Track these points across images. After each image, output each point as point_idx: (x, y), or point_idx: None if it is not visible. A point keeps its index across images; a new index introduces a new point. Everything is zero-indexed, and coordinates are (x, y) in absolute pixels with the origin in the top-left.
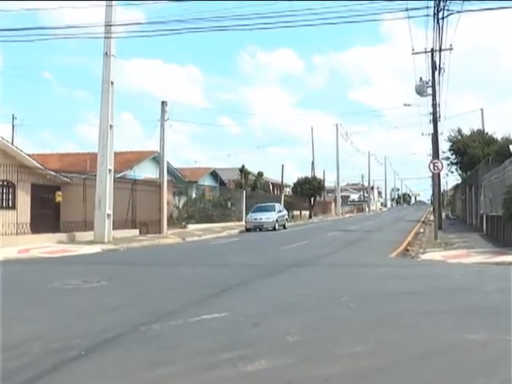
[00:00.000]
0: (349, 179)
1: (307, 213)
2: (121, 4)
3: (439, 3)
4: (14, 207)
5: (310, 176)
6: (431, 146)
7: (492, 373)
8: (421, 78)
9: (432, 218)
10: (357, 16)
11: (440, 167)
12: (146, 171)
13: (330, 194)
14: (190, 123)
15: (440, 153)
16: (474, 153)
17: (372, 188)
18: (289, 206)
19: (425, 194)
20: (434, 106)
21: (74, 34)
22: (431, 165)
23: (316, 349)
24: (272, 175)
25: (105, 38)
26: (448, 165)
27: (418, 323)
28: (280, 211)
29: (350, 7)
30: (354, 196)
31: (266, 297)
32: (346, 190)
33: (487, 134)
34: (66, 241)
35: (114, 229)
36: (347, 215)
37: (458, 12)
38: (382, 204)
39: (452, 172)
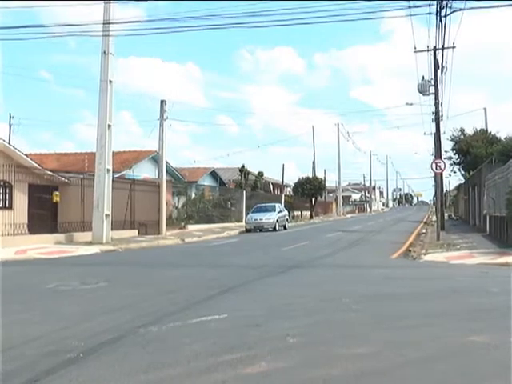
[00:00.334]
0: (350, 179)
1: (308, 213)
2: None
3: (442, 1)
4: (11, 207)
5: (310, 176)
6: (434, 146)
7: (497, 376)
8: (423, 77)
9: (434, 218)
10: (358, 14)
11: (442, 167)
12: (144, 171)
13: (331, 194)
14: (190, 122)
15: (443, 152)
16: (476, 152)
17: (374, 188)
18: (289, 207)
19: (427, 194)
20: (437, 105)
21: (72, 32)
22: (434, 165)
23: (317, 351)
24: (272, 175)
25: (103, 36)
26: (451, 165)
27: (420, 325)
28: (280, 211)
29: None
30: (356, 196)
31: (266, 298)
32: (348, 190)
33: (490, 133)
34: (64, 241)
35: (112, 229)
36: (348, 216)
37: (461, 10)
38: (383, 204)
39: (455, 172)
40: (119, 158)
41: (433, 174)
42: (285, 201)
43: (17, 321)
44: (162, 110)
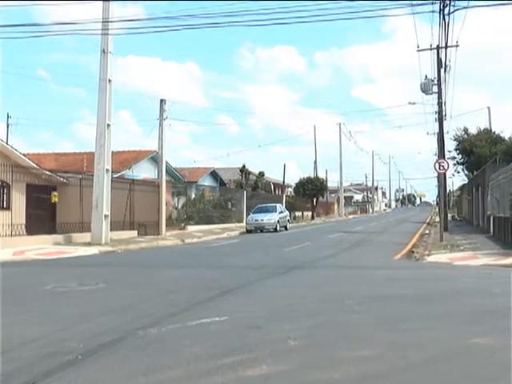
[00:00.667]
0: (352, 179)
1: (309, 214)
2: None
3: None
4: (8, 208)
5: (312, 176)
6: (437, 146)
7: (501, 378)
8: (426, 76)
9: (437, 219)
10: (359, 12)
11: (446, 167)
12: (144, 171)
13: (333, 195)
14: (190, 122)
15: (446, 152)
16: (480, 152)
17: (376, 188)
18: (290, 207)
19: (430, 194)
20: (440, 104)
21: (70, 30)
22: (437, 165)
23: (318, 353)
24: (273, 175)
25: (102, 34)
26: (454, 165)
27: (423, 327)
28: (281, 212)
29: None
30: (358, 196)
31: (268, 300)
32: (350, 190)
33: (494, 132)
34: (63, 242)
35: (111, 230)
36: (350, 216)
37: (465, 8)
38: (386, 205)
39: (458, 172)
40: (118, 158)
41: (436, 174)
42: (286, 201)
43: (15, 322)
44: (162, 110)
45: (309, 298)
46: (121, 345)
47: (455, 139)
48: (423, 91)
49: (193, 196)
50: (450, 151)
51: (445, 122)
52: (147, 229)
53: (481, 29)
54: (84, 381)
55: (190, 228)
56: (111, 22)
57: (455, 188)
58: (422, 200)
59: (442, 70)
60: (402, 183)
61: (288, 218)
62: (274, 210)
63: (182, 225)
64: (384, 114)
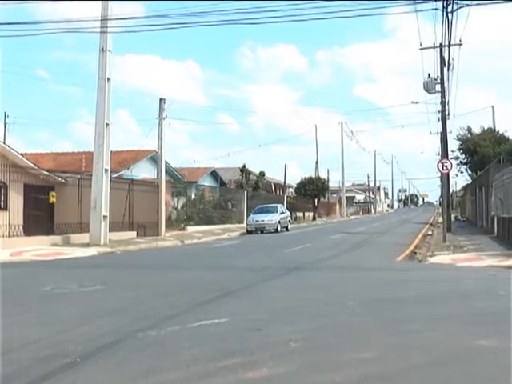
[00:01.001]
0: (354, 179)
1: (311, 214)
2: None
3: None
4: (6, 208)
5: (313, 176)
6: (440, 145)
7: (505, 381)
8: (429, 75)
9: (440, 219)
10: (360, 10)
11: (449, 167)
12: (143, 171)
13: (335, 195)
14: (189, 121)
15: (449, 152)
16: (484, 152)
17: (378, 189)
18: (292, 207)
19: (433, 194)
20: (443, 103)
21: (69, 28)
22: (440, 164)
23: (319, 355)
24: (274, 175)
25: (101, 32)
26: (457, 164)
27: (425, 329)
28: (282, 212)
29: (352, 2)
30: (360, 197)
31: (268, 301)
32: (351, 190)
33: (498, 132)
34: (61, 243)
35: (110, 231)
36: (352, 217)
37: (468, 5)
38: (388, 205)
39: (461, 172)
40: (117, 158)
41: (439, 175)
42: (287, 202)
43: (13, 324)
44: (161, 109)
45: (310, 300)
46: (120, 347)
47: (459, 139)
48: (426, 90)
49: (193, 196)
50: (453, 151)
51: (448, 122)
52: (146, 229)
53: (484, 27)
54: (83, 383)
55: (190, 229)
56: (110, 19)
57: (458, 188)
58: (425, 200)
59: (446, 69)
60: (404, 183)
61: (289, 218)
62: (274, 210)
63: (182, 225)
64: (386, 113)
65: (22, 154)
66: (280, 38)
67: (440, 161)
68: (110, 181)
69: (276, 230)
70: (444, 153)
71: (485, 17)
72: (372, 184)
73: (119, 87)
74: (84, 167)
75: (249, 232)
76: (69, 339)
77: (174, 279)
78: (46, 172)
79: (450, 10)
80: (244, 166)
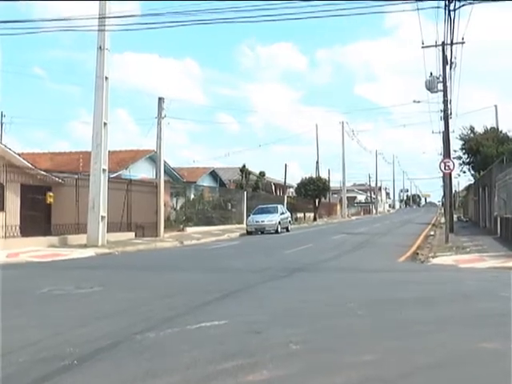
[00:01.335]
0: (355, 179)
1: (311, 215)
2: None
3: None
4: (2, 209)
5: (314, 176)
6: (442, 145)
7: (505, 383)
8: (431, 73)
9: (443, 220)
10: (361, 8)
11: (451, 167)
12: (141, 171)
13: (336, 195)
14: (189, 121)
15: (451, 152)
16: (487, 152)
17: (380, 189)
18: (292, 208)
19: (435, 195)
20: (445, 102)
21: (66, 26)
22: (442, 164)
23: (320, 358)
24: (274, 175)
25: (98, 31)
26: (460, 164)
27: (428, 331)
28: (283, 213)
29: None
30: (361, 197)
31: (268, 303)
32: (353, 190)
33: (501, 131)
34: (58, 244)
35: (108, 232)
36: (353, 217)
37: (471, 3)
38: (390, 205)
39: (464, 172)
40: (115, 158)
41: (441, 175)
42: (287, 202)
43: (9, 326)
44: (160, 108)
45: (311, 302)
46: (118, 349)
47: (461, 138)
48: (428, 89)
49: (192, 197)
50: (455, 151)
51: (450, 121)
52: (145, 230)
53: (487, 25)
54: None
55: (189, 229)
56: (108, 18)
57: (461, 188)
58: (427, 200)
59: (448, 68)
60: (406, 183)
61: (289, 219)
62: (275, 210)
63: (181, 226)
64: (388, 112)
65: (18, 154)
66: (279, 36)
67: (442, 160)
68: (108, 181)
69: (276, 231)
70: (446, 152)
71: (487, 15)
72: (373, 184)
73: (117, 86)
74: (82, 167)
75: (249, 233)
76: (66, 341)
77: (173, 281)
78: (43, 172)
79: (452, 8)
80: (244, 165)
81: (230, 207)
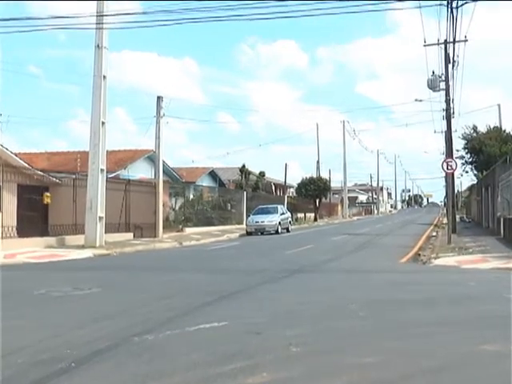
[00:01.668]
0: (356, 179)
1: (312, 215)
2: None
3: None
4: None
5: (315, 176)
6: (444, 144)
7: None
8: (433, 72)
9: (445, 220)
10: (363, 6)
11: (454, 167)
12: (140, 171)
13: (337, 196)
14: (188, 120)
15: (454, 151)
16: (490, 151)
17: (381, 189)
18: (292, 208)
19: (437, 195)
20: (448, 101)
21: (63, 24)
22: (444, 164)
23: (321, 360)
24: (274, 175)
25: (96, 29)
26: (462, 164)
27: (430, 333)
28: (283, 213)
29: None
30: (362, 197)
31: (268, 304)
32: (354, 190)
33: (505, 131)
34: (55, 245)
35: (106, 232)
36: (355, 218)
37: (474, 1)
38: (391, 206)
39: (467, 172)
40: (113, 158)
41: (444, 174)
42: (287, 202)
43: (7, 328)
44: (159, 107)
45: (311, 303)
46: (116, 351)
47: (464, 138)
48: (430, 88)
49: (191, 197)
50: (458, 150)
51: (453, 120)
52: (143, 231)
53: (490, 23)
54: None
55: (188, 230)
56: (106, 15)
57: (464, 188)
58: (429, 201)
59: (450, 66)
60: (408, 183)
61: (290, 219)
62: (275, 211)
63: (180, 227)
64: (389, 111)
65: (15, 154)
66: (280, 34)
67: (445, 160)
68: (106, 181)
69: (276, 232)
70: (449, 152)
71: (490, 13)
72: (375, 184)
73: (116, 85)
74: (79, 167)
75: (248, 233)
76: (64, 343)
77: (172, 282)
78: (40, 172)
79: (454, 5)
80: (243, 165)
81: (229, 207)
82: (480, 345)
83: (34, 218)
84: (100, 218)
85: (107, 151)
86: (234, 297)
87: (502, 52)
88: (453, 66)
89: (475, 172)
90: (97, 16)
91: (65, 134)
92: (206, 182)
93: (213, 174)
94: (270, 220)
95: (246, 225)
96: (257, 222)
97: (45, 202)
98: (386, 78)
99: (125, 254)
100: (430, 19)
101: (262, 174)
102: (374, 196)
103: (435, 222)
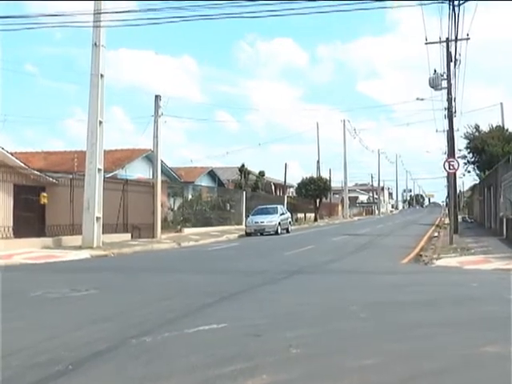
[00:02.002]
0: (357, 179)
1: (312, 215)
2: None
3: None
4: None
5: (315, 176)
6: (446, 144)
7: None
8: (435, 70)
9: (447, 221)
10: (364, 3)
11: (456, 166)
12: (138, 171)
13: (337, 196)
14: (186, 119)
15: (456, 151)
16: (492, 151)
17: (382, 189)
18: (292, 208)
19: (439, 195)
20: (450, 100)
21: (60, 22)
22: (446, 164)
23: (321, 362)
24: (274, 175)
25: (93, 27)
26: (465, 164)
27: (432, 335)
28: (283, 214)
29: None
30: (363, 197)
31: (268, 306)
32: (354, 190)
33: (507, 130)
34: (52, 246)
35: (103, 233)
36: (355, 218)
37: None
38: (392, 206)
39: (469, 172)
40: (111, 157)
41: (445, 174)
42: (287, 202)
43: (3, 329)
44: (157, 106)
45: (311, 305)
46: (114, 354)
47: (466, 137)
48: (432, 86)
49: (189, 197)
50: (460, 150)
51: (455, 119)
52: (141, 231)
53: (493, 20)
54: None
55: (187, 231)
56: (103, 13)
57: (466, 188)
58: (431, 201)
59: (452, 64)
60: (409, 183)
61: (290, 219)
62: (274, 211)
63: (179, 227)
64: (390, 110)
65: (11, 153)
66: (280, 31)
67: (446, 160)
68: (104, 181)
69: (276, 232)
70: (451, 152)
71: (493, 10)
72: (376, 184)
73: (113, 83)
74: (76, 167)
75: (248, 234)
76: (60, 345)
77: (170, 283)
78: (36, 172)
79: (456, 3)
80: (243, 165)
81: (228, 208)
82: (482, 347)
83: (31, 218)
84: (97, 218)
85: (105, 151)
86: (233, 298)
87: (505, 50)
88: (455, 64)
89: (477, 172)
90: (94, 14)
91: (61, 133)
92: (204, 181)
93: (212, 174)
94: (270, 220)
95: (246, 225)
96: (256, 222)
97: (41, 202)
98: (387, 77)
99: (122, 255)
100: (432, 17)
101: (261, 174)
102: (375, 196)
103: (437, 223)
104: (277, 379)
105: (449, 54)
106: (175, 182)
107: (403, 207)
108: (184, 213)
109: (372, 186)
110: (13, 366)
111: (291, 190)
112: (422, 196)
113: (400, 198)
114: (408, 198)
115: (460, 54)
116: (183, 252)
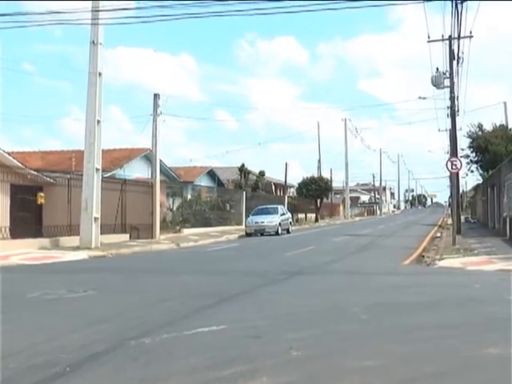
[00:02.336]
0: (358, 179)
1: (313, 216)
2: None
3: None
4: None
5: (316, 175)
6: (449, 143)
7: None
8: (437, 69)
9: (450, 221)
10: (365, 1)
11: (459, 166)
12: (136, 170)
13: (338, 196)
14: (185, 118)
15: (459, 150)
16: (496, 150)
17: (384, 189)
18: (293, 209)
19: (442, 195)
20: (452, 99)
21: (58, 20)
22: (449, 163)
23: (322, 364)
24: (274, 175)
25: (92, 24)
26: (467, 163)
27: (433, 336)
28: (283, 214)
29: None
30: (365, 197)
31: (269, 307)
32: (356, 190)
33: (511, 129)
34: (49, 246)
35: (101, 233)
36: (357, 218)
37: None
38: (394, 206)
39: (472, 171)
40: (109, 157)
41: (448, 174)
42: (288, 202)
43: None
44: (156, 105)
45: (312, 306)
46: (112, 355)
47: (469, 136)
48: (434, 85)
49: (189, 197)
50: (463, 149)
51: (458, 118)
52: (140, 232)
53: (496, 18)
54: None
55: (186, 231)
56: (101, 11)
57: (469, 188)
58: (433, 201)
59: (455, 63)
60: (411, 183)
61: (290, 220)
62: (275, 211)
63: (178, 228)
64: (392, 109)
65: (8, 153)
66: (280, 29)
67: (449, 159)
68: (102, 181)
69: (276, 233)
70: (453, 151)
71: (496, 8)
72: (377, 184)
73: (111, 82)
74: (74, 166)
75: (248, 234)
76: (59, 347)
77: (170, 284)
78: (33, 171)
79: (459, 0)
80: (243, 165)
81: (228, 208)
82: (485, 348)
83: (28, 218)
84: (95, 218)
85: (103, 150)
86: (233, 299)
87: (508, 48)
88: (457, 62)
89: (480, 171)
90: (92, 11)
91: (59, 132)
92: (204, 181)
93: (211, 174)
94: (270, 221)
95: (246, 226)
96: (256, 222)
97: (39, 203)
98: (389, 75)
99: (121, 256)
100: (434, 15)
101: (261, 174)
102: (377, 196)
103: (439, 223)
104: (277, 381)
105: (451, 52)
106: (174, 181)
107: (405, 207)
108: (183, 213)
109: (374, 185)
110: (10, 368)
111: (292, 190)
112: (424, 196)
113: (402, 198)
114: (410, 198)
115: (463, 52)
116: (182, 253)
